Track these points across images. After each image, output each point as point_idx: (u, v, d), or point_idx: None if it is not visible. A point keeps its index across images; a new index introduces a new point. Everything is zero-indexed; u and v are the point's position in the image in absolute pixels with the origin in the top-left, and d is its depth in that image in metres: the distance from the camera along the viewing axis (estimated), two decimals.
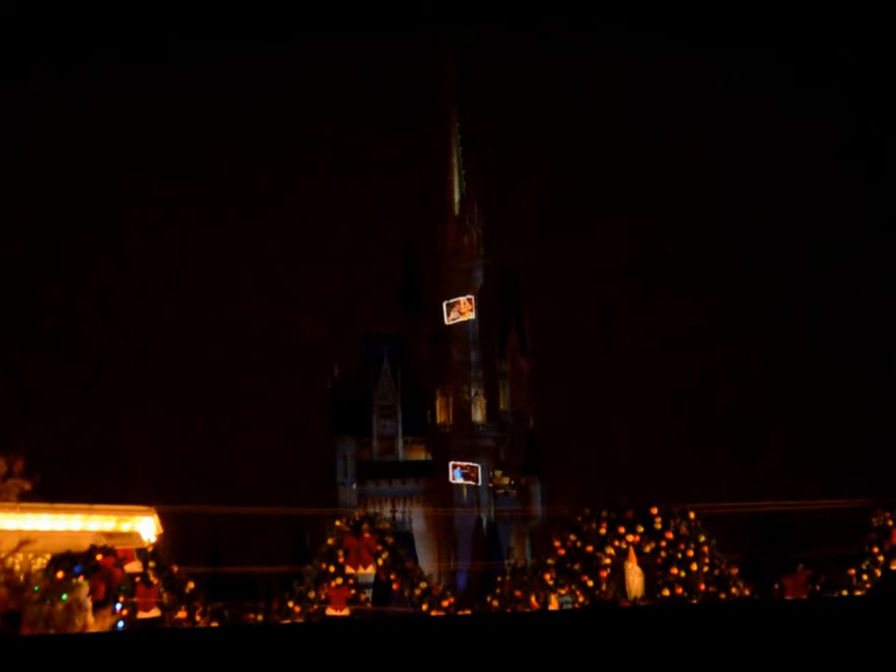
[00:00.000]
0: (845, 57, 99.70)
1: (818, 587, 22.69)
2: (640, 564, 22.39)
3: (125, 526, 21.92)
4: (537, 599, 22.47)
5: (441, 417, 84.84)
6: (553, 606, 22.64)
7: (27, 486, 21.19)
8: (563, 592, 22.59)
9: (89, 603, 20.99)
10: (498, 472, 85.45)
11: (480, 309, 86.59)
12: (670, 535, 22.30)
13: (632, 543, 22.36)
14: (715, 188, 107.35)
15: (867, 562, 22.94)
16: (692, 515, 22.56)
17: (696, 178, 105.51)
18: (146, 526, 22.18)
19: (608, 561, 22.25)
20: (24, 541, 20.75)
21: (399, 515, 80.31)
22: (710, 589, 22.12)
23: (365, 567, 22.87)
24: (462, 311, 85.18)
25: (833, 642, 9.80)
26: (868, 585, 22.73)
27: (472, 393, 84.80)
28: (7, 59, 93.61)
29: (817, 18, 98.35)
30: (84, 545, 21.40)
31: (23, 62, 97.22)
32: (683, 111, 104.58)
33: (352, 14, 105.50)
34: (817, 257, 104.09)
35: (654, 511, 22.43)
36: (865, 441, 77.65)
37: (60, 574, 20.88)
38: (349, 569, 22.70)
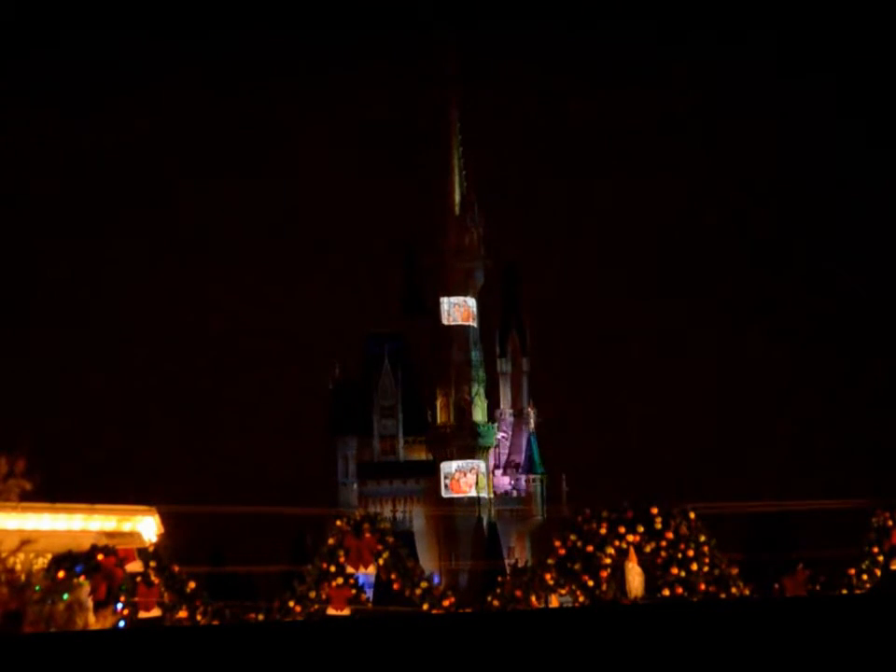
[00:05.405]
0: None
1: (817, 587, 22.68)
2: (640, 564, 22.37)
3: (126, 526, 21.89)
4: (537, 599, 22.47)
5: (441, 417, 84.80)
6: (554, 606, 22.63)
7: (28, 486, 21.16)
8: (563, 592, 22.58)
9: (90, 603, 20.96)
10: (498, 472, 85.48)
11: (480, 309, 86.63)
12: (670, 535, 22.28)
13: (632, 543, 22.34)
14: (715, 187, 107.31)
15: (867, 562, 22.91)
16: (692, 515, 22.54)
17: (697, 176, 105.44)
18: (147, 526, 22.16)
19: (608, 561, 22.23)
20: (26, 541, 20.71)
21: (399, 515, 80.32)
22: (710, 589, 22.11)
23: (366, 567, 22.87)
24: (462, 314, 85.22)
25: (832, 642, 9.81)
26: (868, 585, 22.71)
27: (472, 393, 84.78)
28: None
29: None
30: (85, 545, 21.37)
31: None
32: (681, 108, 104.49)
33: (353, 15, 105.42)
34: (815, 256, 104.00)
35: (654, 510, 22.41)
36: (866, 441, 77.61)
37: (61, 574, 20.86)
38: (350, 569, 22.71)
